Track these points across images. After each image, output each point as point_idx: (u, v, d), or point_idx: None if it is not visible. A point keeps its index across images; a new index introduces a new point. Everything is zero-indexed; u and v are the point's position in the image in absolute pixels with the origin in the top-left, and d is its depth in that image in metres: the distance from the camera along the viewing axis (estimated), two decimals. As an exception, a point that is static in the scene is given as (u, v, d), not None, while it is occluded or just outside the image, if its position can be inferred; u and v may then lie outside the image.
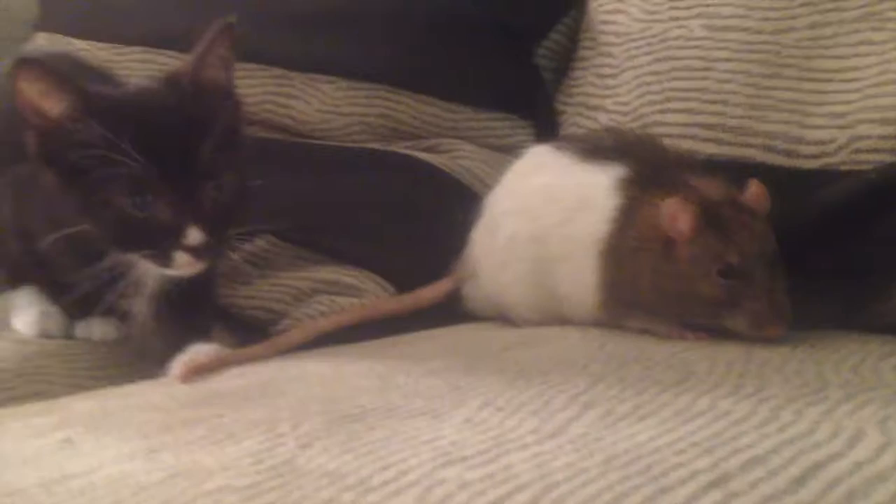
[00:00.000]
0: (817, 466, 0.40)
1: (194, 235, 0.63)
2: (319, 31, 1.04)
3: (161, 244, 0.64)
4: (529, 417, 0.48)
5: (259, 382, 0.60)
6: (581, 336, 0.67)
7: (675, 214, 0.64)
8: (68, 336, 0.76)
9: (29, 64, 0.63)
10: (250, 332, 0.78)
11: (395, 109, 1.00)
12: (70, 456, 0.46)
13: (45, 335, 0.76)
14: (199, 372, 0.63)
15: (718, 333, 0.65)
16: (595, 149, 0.73)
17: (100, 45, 1.15)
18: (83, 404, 0.58)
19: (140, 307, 0.71)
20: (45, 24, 1.23)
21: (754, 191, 0.66)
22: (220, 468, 0.42)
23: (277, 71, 1.03)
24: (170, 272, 0.66)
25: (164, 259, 0.64)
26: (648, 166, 0.70)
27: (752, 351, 0.61)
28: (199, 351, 0.68)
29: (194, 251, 0.64)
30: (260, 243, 0.87)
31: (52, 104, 0.63)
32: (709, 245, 0.64)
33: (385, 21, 1.03)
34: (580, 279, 0.70)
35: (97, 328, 0.76)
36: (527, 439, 0.45)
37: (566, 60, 1.02)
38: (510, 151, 0.92)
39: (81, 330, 0.76)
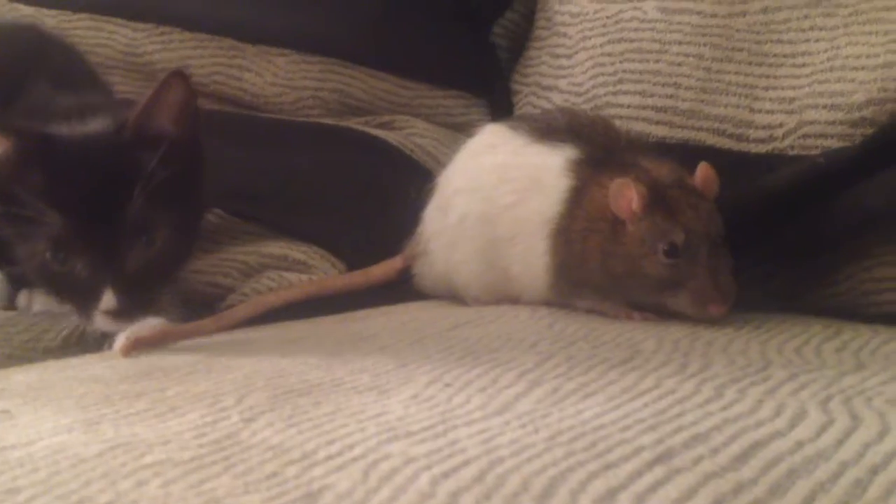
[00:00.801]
0: (759, 444, 0.40)
1: (109, 301, 0.62)
2: (273, 3, 1.02)
3: (80, 301, 0.64)
4: (477, 394, 0.48)
5: (204, 357, 0.59)
6: (530, 315, 0.68)
7: (623, 194, 0.64)
8: (10, 305, 0.75)
9: None
10: (197, 307, 0.77)
11: (349, 84, 0.99)
12: (8, 427, 0.45)
13: None
14: (142, 346, 0.62)
15: (665, 314, 0.66)
16: (548, 129, 0.73)
17: (46, 11, 1.13)
18: (21, 376, 0.57)
19: None
20: (-10, -12, 1.19)
21: (703, 173, 0.67)
22: (161, 441, 0.42)
23: (229, 42, 1.02)
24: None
25: (85, 315, 0.64)
26: (600, 148, 0.70)
27: (698, 331, 0.61)
28: (145, 325, 0.67)
29: (111, 314, 0.63)
30: (208, 217, 0.86)
31: None
32: (655, 224, 0.64)
33: (340, -5, 1.02)
34: (531, 260, 0.70)
35: (39, 299, 0.75)
36: (474, 415, 0.44)
37: (521, 40, 1.02)
38: (464, 129, 0.92)
39: (23, 299, 0.75)
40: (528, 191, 0.71)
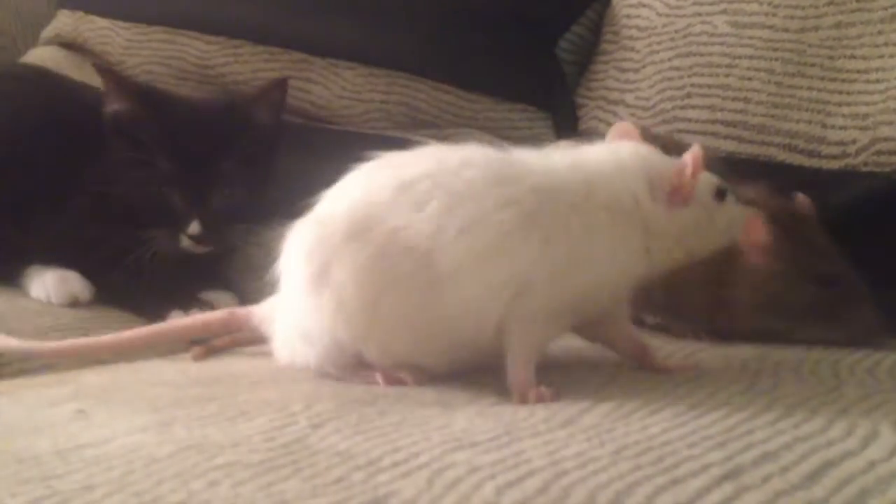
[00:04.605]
0: (830, 464, 0.40)
1: (195, 227, 0.78)
2: (342, 17, 1.04)
3: (170, 227, 0.79)
4: (541, 408, 0.48)
5: (272, 366, 0.60)
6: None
7: None
8: (90, 299, 0.78)
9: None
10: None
11: (414, 97, 0.99)
12: (83, 426, 0.46)
13: (71, 298, 0.77)
14: (211, 352, 0.63)
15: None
16: None
17: (122, 23, 1.16)
18: (95, 377, 0.59)
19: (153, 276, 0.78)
20: (68, 0, 1.23)
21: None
22: (232, 444, 0.42)
23: (298, 55, 1.03)
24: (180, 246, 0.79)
25: (173, 239, 0.78)
26: None
27: (768, 351, 0.60)
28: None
29: (195, 238, 0.78)
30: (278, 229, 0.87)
31: (117, 101, 0.80)
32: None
33: (407, 9, 1.03)
34: None
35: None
36: (538, 428, 0.44)
37: (587, 54, 1.02)
38: (528, 143, 0.91)
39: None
40: None
